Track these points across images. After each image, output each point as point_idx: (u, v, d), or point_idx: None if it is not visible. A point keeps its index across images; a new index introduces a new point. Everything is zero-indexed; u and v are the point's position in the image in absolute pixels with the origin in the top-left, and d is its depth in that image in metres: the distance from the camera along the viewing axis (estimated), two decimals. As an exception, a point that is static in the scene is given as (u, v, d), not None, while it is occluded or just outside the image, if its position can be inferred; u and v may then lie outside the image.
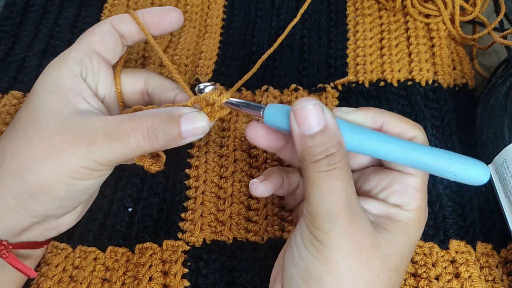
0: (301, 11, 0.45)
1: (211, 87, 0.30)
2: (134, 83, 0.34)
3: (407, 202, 0.27)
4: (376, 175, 0.29)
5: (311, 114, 0.25)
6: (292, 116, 0.26)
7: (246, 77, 0.38)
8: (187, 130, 0.29)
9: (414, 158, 0.26)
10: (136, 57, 0.46)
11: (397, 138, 0.27)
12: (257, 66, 0.39)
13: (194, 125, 0.29)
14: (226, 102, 0.30)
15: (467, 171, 0.26)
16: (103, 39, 0.32)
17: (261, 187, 0.31)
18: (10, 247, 0.29)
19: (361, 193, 0.29)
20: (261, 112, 0.28)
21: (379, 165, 0.30)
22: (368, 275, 0.25)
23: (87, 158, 0.28)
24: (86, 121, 0.28)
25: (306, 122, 0.25)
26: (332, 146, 0.25)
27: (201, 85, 0.30)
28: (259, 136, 0.30)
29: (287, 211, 0.37)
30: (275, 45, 0.43)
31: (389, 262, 0.26)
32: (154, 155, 0.33)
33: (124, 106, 0.34)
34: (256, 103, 0.29)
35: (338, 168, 0.25)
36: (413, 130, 0.28)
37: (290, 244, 0.27)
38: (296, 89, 0.44)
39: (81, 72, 0.31)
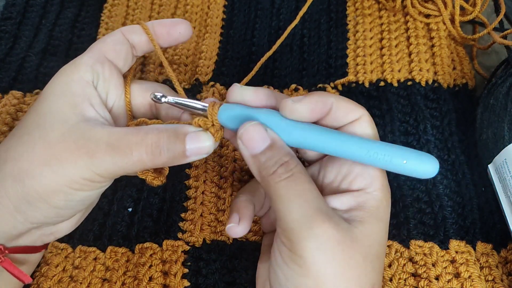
0: (301, 13, 0.46)
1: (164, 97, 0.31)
2: (143, 95, 0.33)
3: (370, 183, 0.28)
4: (335, 163, 0.29)
5: (255, 133, 0.27)
6: (240, 142, 0.27)
7: (246, 80, 0.38)
8: (191, 149, 0.28)
9: (354, 151, 0.26)
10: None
11: (340, 132, 0.28)
12: (254, 71, 0.39)
13: (199, 144, 0.28)
14: (174, 101, 0.31)
15: (419, 163, 0.26)
16: (114, 47, 0.32)
17: (239, 230, 0.30)
18: (6, 251, 0.29)
19: (325, 187, 0.29)
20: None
21: None
22: (355, 272, 0.25)
23: (88, 170, 0.27)
24: (91, 131, 0.28)
25: (252, 142, 0.27)
26: (284, 155, 0.26)
27: (158, 94, 0.31)
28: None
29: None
30: (274, 48, 0.43)
31: (370, 253, 0.26)
32: (157, 169, 0.32)
33: (132, 117, 0.34)
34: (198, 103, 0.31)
35: (296, 172, 0.26)
36: (358, 110, 0.28)
37: (272, 267, 0.27)
38: (296, 89, 0.44)
39: (92, 79, 0.30)
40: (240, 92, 0.29)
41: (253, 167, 0.27)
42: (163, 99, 0.31)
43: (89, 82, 0.30)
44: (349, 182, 0.28)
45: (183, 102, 0.31)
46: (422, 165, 0.26)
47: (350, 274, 0.25)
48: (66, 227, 0.33)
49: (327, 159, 0.30)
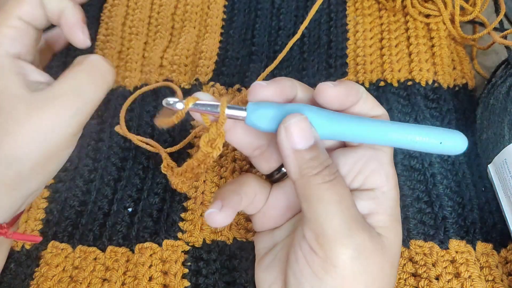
0: (302, 27, 0.45)
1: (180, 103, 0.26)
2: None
3: (386, 181, 0.27)
4: (348, 157, 0.27)
5: (304, 128, 0.25)
6: (283, 133, 0.25)
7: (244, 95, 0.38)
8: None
9: (396, 138, 0.26)
10: (136, 57, 0.46)
11: (370, 118, 0.27)
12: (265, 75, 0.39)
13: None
14: (197, 104, 0.26)
15: (452, 140, 0.26)
16: (32, 10, 0.30)
17: (220, 217, 0.27)
18: (9, 225, 0.30)
19: None
20: (243, 113, 0.26)
21: (342, 146, 0.29)
22: (382, 283, 0.25)
23: (69, 123, 0.28)
24: (49, 91, 0.28)
25: (299, 137, 0.25)
26: (327, 158, 0.25)
27: (170, 100, 0.26)
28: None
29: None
30: (275, 62, 0.44)
31: (395, 261, 0.26)
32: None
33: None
34: (237, 106, 0.27)
35: (338, 177, 0.25)
36: (381, 107, 0.28)
37: (296, 278, 0.25)
38: (296, 89, 0.44)
39: (18, 51, 0.30)
40: (264, 89, 0.27)
41: (293, 163, 0.25)
42: (178, 105, 0.26)
43: (16, 56, 0.30)
44: (363, 179, 0.27)
45: (203, 104, 0.26)
46: (455, 144, 0.26)
47: (378, 283, 0.24)
48: None
49: (339, 154, 0.28)
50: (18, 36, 0.30)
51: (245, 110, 0.26)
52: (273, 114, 0.26)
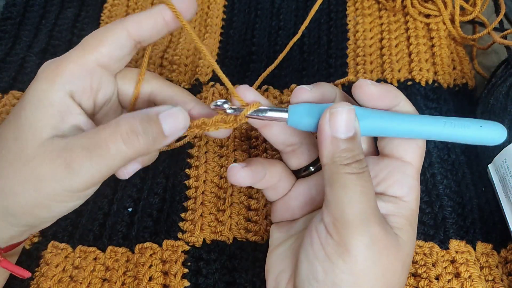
0: (303, 27, 0.45)
1: (226, 104, 0.29)
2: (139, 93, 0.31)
3: (407, 193, 0.27)
4: (375, 164, 0.28)
5: (348, 118, 0.26)
6: (327, 117, 0.26)
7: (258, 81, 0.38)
8: (168, 127, 0.27)
9: (442, 132, 0.26)
10: (136, 57, 0.46)
11: (410, 114, 0.27)
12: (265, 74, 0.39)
13: (175, 121, 0.27)
14: (250, 114, 0.28)
15: (492, 130, 0.27)
16: (111, 53, 0.29)
17: (241, 173, 0.29)
18: (2, 251, 0.29)
19: None
20: (284, 114, 0.28)
21: (373, 154, 0.30)
22: (392, 279, 0.25)
23: (69, 182, 0.26)
24: (64, 142, 0.26)
25: (342, 125, 0.26)
26: (360, 152, 0.26)
27: (218, 102, 0.29)
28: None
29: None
30: (275, 62, 0.44)
31: (406, 262, 0.26)
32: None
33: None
34: (277, 108, 0.28)
35: (367, 172, 0.26)
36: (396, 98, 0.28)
37: (309, 259, 0.26)
38: (296, 89, 0.44)
39: (75, 91, 0.28)
40: (307, 93, 0.28)
41: (327, 148, 0.26)
42: (227, 108, 0.28)
43: (70, 93, 0.28)
44: (386, 186, 0.28)
45: (263, 113, 0.28)
46: (494, 132, 0.26)
47: (387, 279, 0.25)
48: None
49: (367, 161, 0.29)
50: (83, 75, 0.28)
51: (286, 111, 0.28)
52: (314, 110, 0.27)
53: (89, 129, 0.28)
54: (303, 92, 0.28)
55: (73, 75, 0.28)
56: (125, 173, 0.31)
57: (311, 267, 0.26)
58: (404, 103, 0.28)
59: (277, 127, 0.30)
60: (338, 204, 0.25)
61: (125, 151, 0.26)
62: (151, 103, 0.31)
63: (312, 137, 0.32)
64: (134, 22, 0.29)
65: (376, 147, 0.30)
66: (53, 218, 0.29)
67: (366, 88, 0.27)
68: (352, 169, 0.25)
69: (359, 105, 0.28)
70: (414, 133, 0.27)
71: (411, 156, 0.28)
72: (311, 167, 0.32)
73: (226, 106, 0.28)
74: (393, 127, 0.27)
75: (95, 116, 0.30)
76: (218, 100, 0.29)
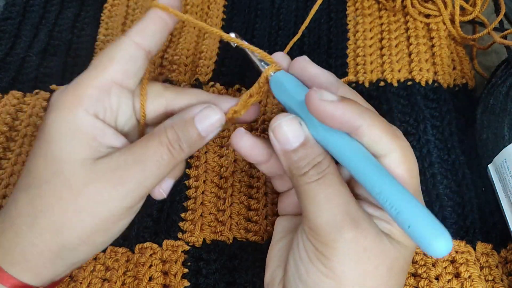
0: (303, 27, 0.45)
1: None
2: (154, 107, 0.30)
3: None
4: None
5: (289, 130, 0.26)
6: (272, 135, 0.26)
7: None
8: (204, 129, 0.28)
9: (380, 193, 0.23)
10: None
11: (367, 154, 0.24)
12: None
13: (210, 121, 0.28)
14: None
15: (426, 235, 0.21)
16: (123, 68, 0.28)
17: (245, 138, 0.29)
18: None
19: (355, 197, 0.27)
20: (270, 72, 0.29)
21: None
22: (376, 282, 0.25)
23: (125, 198, 0.27)
24: (112, 160, 0.27)
25: (285, 138, 0.26)
26: (317, 156, 0.25)
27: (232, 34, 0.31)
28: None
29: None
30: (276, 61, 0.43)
31: (395, 266, 0.26)
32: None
33: (146, 125, 0.32)
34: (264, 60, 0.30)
35: (328, 174, 0.25)
36: (388, 145, 0.25)
37: (295, 260, 0.27)
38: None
39: (98, 112, 0.28)
40: (307, 67, 0.29)
41: (284, 163, 0.26)
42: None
43: (96, 117, 0.28)
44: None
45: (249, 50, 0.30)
46: (429, 239, 0.20)
47: (371, 283, 0.25)
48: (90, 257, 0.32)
49: None
50: (102, 96, 0.28)
51: (273, 72, 0.29)
52: (290, 87, 0.28)
53: (126, 145, 0.28)
54: (307, 64, 0.29)
55: (93, 98, 0.27)
56: (162, 192, 0.31)
57: (296, 268, 0.26)
58: (369, 130, 0.25)
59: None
60: (308, 215, 0.25)
61: (171, 159, 0.27)
62: (170, 114, 0.31)
63: None
64: (137, 31, 0.29)
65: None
66: (106, 244, 0.29)
67: (319, 106, 0.25)
68: (310, 177, 0.25)
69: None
70: (351, 172, 0.24)
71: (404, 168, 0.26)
72: None
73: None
74: (338, 155, 0.25)
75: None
76: (233, 35, 0.31)
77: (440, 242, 0.20)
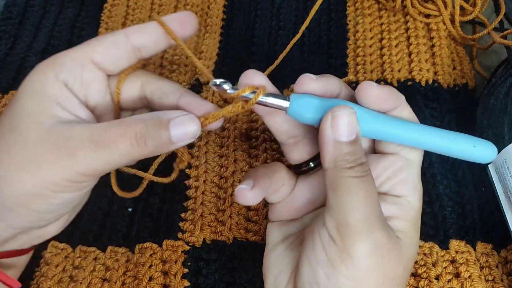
0: (303, 27, 0.45)
1: (227, 84, 0.27)
2: (130, 88, 0.31)
3: (413, 192, 0.27)
4: (379, 163, 0.28)
5: (349, 121, 0.25)
6: (329, 121, 0.25)
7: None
8: (177, 135, 0.27)
9: (433, 141, 0.27)
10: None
11: (411, 122, 0.27)
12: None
13: (185, 129, 0.27)
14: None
15: (484, 145, 0.27)
16: (105, 51, 0.29)
17: (250, 195, 0.28)
18: None
19: None
20: (286, 103, 0.27)
21: (370, 152, 0.30)
22: (393, 283, 0.25)
23: (71, 169, 0.26)
24: (70, 130, 0.27)
25: (343, 129, 0.25)
26: (363, 155, 0.26)
27: (217, 80, 0.27)
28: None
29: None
30: (276, 62, 0.44)
31: (408, 265, 0.26)
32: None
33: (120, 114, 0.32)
34: (280, 94, 0.27)
35: (370, 175, 0.25)
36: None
37: (310, 263, 0.26)
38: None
39: (67, 79, 0.28)
40: (312, 82, 0.27)
41: (330, 152, 0.26)
42: (226, 87, 0.27)
43: (65, 84, 0.28)
44: (390, 185, 0.27)
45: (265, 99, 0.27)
46: (487, 150, 0.27)
47: (389, 284, 0.25)
48: (54, 229, 0.32)
49: (370, 159, 0.29)
50: (75, 67, 0.28)
51: (288, 100, 0.27)
52: (317, 105, 0.26)
53: (91, 121, 0.29)
54: (308, 81, 0.27)
55: (65, 66, 0.28)
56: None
57: (312, 271, 0.26)
58: (404, 106, 0.28)
59: (281, 116, 0.29)
60: (341, 209, 0.25)
61: (131, 152, 0.27)
62: (143, 97, 0.32)
63: (315, 131, 0.31)
64: (134, 28, 0.30)
65: (373, 145, 0.30)
66: (46, 215, 0.29)
67: (370, 90, 0.27)
68: (356, 172, 0.25)
69: (360, 104, 0.28)
70: (411, 142, 0.27)
71: (415, 155, 0.28)
72: (311, 163, 0.31)
73: (226, 86, 0.27)
74: (393, 133, 0.27)
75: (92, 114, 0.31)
76: (217, 79, 0.27)
77: (491, 150, 0.27)
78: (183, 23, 0.30)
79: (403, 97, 0.28)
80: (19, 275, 0.33)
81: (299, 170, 0.31)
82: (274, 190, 0.30)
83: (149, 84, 0.31)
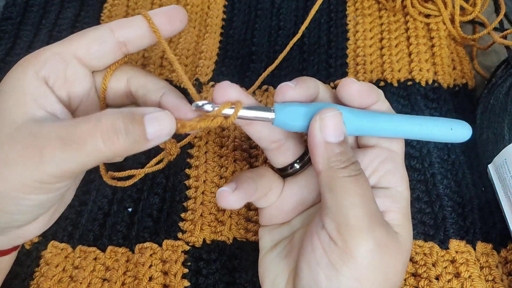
0: (303, 27, 0.46)
1: (209, 105, 0.26)
2: (115, 84, 0.30)
3: (400, 182, 0.28)
4: (364, 156, 0.28)
5: (336, 123, 0.26)
6: (317, 124, 0.26)
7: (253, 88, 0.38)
8: (153, 132, 0.25)
9: (413, 129, 0.28)
10: (136, 57, 0.46)
11: (390, 113, 0.28)
12: (258, 83, 0.39)
13: (160, 125, 0.25)
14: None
15: (460, 127, 0.29)
16: (89, 46, 0.28)
17: (232, 198, 0.27)
18: None
19: None
20: (271, 114, 0.27)
21: (356, 146, 0.30)
22: (394, 280, 0.25)
23: (39, 170, 0.24)
24: (39, 128, 0.25)
25: (331, 130, 0.26)
26: (353, 155, 0.26)
27: (199, 103, 0.26)
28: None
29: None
30: (275, 62, 0.44)
31: (407, 259, 0.26)
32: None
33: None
34: (262, 106, 0.27)
35: (363, 173, 0.26)
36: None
37: (310, 266, 0.26)
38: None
39: (48, 76, 0.27)
40: (291, 90, 0.27)
41: (322, 154, 0.26)
42: (206, 107, 0.26)
43: (43, 80, 0.27)
44: (378, 177, 0.28)
45: (246, 114, 0.26)
46: (463, 131, 0.29)
47: (389, 280, 0.25)
48: (35, 229, 0.30)
49: (355, 152, 0.29)
50: (57, 63, 0.27)
51: (273, 111, 0.27)
52: (303, 112, 0.27)
53: (66, 119, 0.27)
54: (287, 90, 0.27)
55: (46, 62, 0.27)
56: None
57: (312, 274, 0.25)
58: (383, 100, 0.29)
59: (260, 123, 0.29)
60: (340, 209, 0.25)
61: (102, 150, 0.24)
62: (129, 93, 0.30)
63: (297, 133, 0.31)
64: (119, 22, 0.28)
65: (355, 140, 0.30)
66: (23, 217, 0.27)
67: (352, 86, 0.27)
68: (350, 171, 0.25)
69: (340, 102, 0.28)
70: (393, 133, 0.28)
71: (397, 146, 0.28)
72: (296, 165, 0.31)
73: (208, 107, 0.26)
74: (375, 127, 0.27)
75: (74, 113, 0.29)
76: (199, 101, 0.26)
77: (467, 129, 0.29)
78: (171, 18, 0.29)
79: (381, 92, 0.29)
80: (3, 278, 0.32)
81: (285, 173, 0.31)
82: (262, 194, 0.30)
83: (134, 80, 0.30)
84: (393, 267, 0.25)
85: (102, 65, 0.29)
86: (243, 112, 0.26)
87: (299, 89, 0.27)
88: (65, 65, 0.27)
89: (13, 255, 0.32)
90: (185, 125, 0.26)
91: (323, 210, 0.26)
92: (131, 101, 0.31)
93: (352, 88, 0.27)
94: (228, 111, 0.26)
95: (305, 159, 0.31)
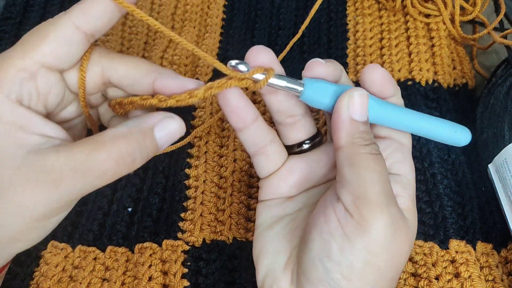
0: (303, 27, 0.46)
1: (243, 65, 0.27)
2: (90, 79, 0.28)
3: (409, 171, 0.29)
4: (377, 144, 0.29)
5: (364, 102, 0.27)
6: (346, 100, 0.27)
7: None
8: (164, 142, 0.26)
9: (427, 127, 0.29)
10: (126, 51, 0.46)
11: (407, 109, 0.29)
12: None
13: (169, 132, 0.26)
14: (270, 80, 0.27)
15: (462, 131, 0.30)
16: (56, 51, 0.25)
17: (240, 98, 0.28)
18: None
19: None
20: (300, 87, 0.27)
21: None
22: (400, 260, 0.26)
23: (58, 199, 0.24)
24: (45, 160, 0.24)
25: (359, 108, 0.27)
26: (373, 137, 0.27)
27: (233, 62, 0.27)
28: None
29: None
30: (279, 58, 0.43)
31: (412, 244, 0.27)
32: None
33: (87, 106, 0.29)
34: (292, 78, 0.27)
35: (382, 155, 0.27)
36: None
37: (323, 237, 0.25)
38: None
39: (21, 97, 0.25)
40: (322, 67, 0.28)
41: (347, 130, 0.26)
42: (240, 67, 0.26)
43: (19, 103, 0.25)
44: (389, 164, 0.28)
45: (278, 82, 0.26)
46: (464, 135, 0.30)
47: (396, 260, 0.25)
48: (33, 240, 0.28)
49: None
50: (26, 80, 0.25)
51: (302, 85, 0.27)
52: (332, 90, 0.27)
53: (62, 136, 0.26)
54: (318, 66, 0.28)
55: (15, 82, 0.24)
56: None
57: (325, 244, 0.25)
58: (399, 96, 0.30)
59: (283, 95, 0.29)
60: (360, 183, 0.25)
61: (118, 173, 0.25)
62: (106, 81, 0.28)
63: (311, 113, 0.32)
64: (80, 11, 0.26)
65: None
66: (42, 237, 0.27)
67: (377, 72, 0.28)
68: (371, 150, 0.26)
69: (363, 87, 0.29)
70: (408, 128, 0.29)
71: (406, 140, 0.29)
72: (305, 145, 0.31)
73: (242, 67, 0.26)
74: (393, 119, 0.28)
75: (55, 117, 0.28)
76: (233, 60, 0.27)
77: (468, 134, 0.31)
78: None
79: (399, 88, 0.30)
80: None
81: (292, 151, 0.31)
82: (257, 134, 0.30)
83: (111, 70, 0.28)
84: (401, 246, 0.25)
85: (73, 64, 0.27)
86: (273, 80, 0.27)
87: (328, 68, 0.28)
88: (34, 79, 0.25)
89: (3, 272, 0.32)
90: (213, 86, 0.27)
91: (340, 183, 0.26)
92: (109, 87, 0.29)
93: (377, 72, 0.28)
94: (259, 76, 0.26)
95: (316, 141, 0.31)
